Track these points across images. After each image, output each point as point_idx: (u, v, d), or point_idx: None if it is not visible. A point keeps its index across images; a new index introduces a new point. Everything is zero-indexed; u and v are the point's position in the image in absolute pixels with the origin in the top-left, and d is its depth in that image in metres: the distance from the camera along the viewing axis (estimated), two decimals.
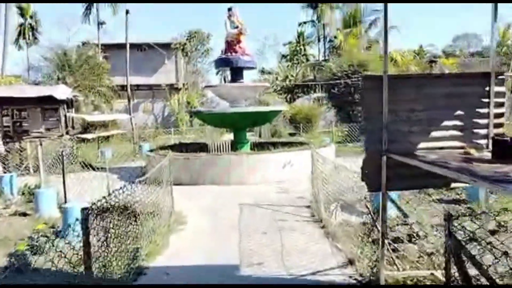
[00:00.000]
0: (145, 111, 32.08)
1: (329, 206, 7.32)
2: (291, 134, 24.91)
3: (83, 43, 30.38)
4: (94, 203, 3.81)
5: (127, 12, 20.52)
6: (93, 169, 13.14)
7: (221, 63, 11.70)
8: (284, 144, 12.91)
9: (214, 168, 9.73)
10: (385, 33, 4.01)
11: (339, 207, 7.43)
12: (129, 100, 20.92)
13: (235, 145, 11.69)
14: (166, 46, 35.83)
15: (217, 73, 45.38)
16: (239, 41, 11.70)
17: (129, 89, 21.59)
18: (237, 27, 11.67)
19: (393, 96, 3.86)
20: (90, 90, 20.78)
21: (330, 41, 39.85)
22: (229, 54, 11.69)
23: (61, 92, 12.37)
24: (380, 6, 38.65)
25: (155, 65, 38.26)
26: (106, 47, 37.38)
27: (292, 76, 39.48)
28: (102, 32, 31.19)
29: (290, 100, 35.06)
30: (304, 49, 48.28)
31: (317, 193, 7.48)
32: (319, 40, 40.42)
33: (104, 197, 4.09)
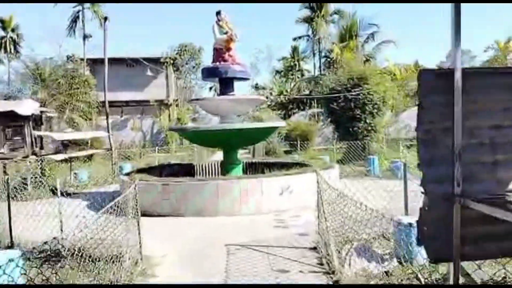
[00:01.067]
0: (133, 128, 30.49)
1: (342, 247, 5.76)
2: (286, 152, 23.43)
3: (68, 57, 28.93)
4: None
5: (105, 19, 19.07)
6: (63, 194, 11.50)
7: (209, 73, 10.19)
8: (281, 166, 11.36)
9: (199, 196, 8.14)
10: (456, 26, 2.48)
11: (354, 250, 5.86)
12: (107, 117, 19.32)
13: (225, 167, 10.11)
14: (156, 61, 34.56)
15: (210, 89, 44.10)
16: (228, 49, 10.24)
17: (107, 105, 20.04)
18: (226, 32, 10.23)
19: (469, 103, 2.34)
20: (66, 106, 19.17)
21: (326, 56, 38.75)
22: (217, 63, 10.21)
23: (26, 107, 10.80)
24: (376, 20, 38.02)
25: (145, 81, 36.90)
26: (94, 62, 36.03)
27: (286, 91, 38.22)
28: (91, 46, 29.84)
29: (285, 116, 33.68)
30: (299, 64, 47.28)
31: (324, 230, 5.90)
32: (314, 55, 39.30)
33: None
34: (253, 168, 11.81)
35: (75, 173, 13.35)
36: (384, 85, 20.21)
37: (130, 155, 21.82)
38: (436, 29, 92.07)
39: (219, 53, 10.24)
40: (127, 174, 10.29)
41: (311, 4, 37.69)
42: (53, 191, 11.53)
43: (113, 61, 36.25)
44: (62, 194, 11.71)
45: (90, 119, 23.50)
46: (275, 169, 10.85)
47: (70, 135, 11.42)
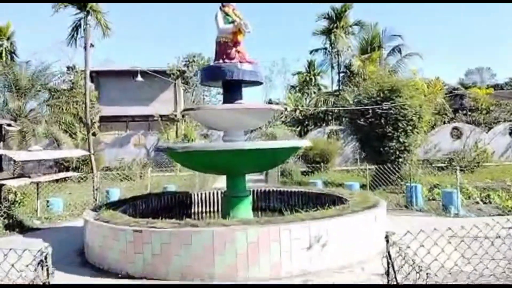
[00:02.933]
0: (136, 144, 28.11)
1: None
2: (303, 173, 20.73)
3: (68, 68, 26.98)
4: None
5: (91, 45, 16.83)
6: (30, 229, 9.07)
7: (209, 74, 7.56)
8: (304, 196, 8.66)
9: (185, 250, 5.48)
10: None
11: None
12: (88, 133, 16.90)
13: (227, 203, 7.42)
14: (164, 73, 32.55)
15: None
16: (236, 43, 7.67)
17: (88, 120, 17.63)
18: (233, 22, 7.68)
19: None
20: (43, 118, 16.85)
21: (346, 69, 36.17)
22: (221, 61, 7.63)
23: None
24: (399, 31, 35.41)
25: (152, 94, 35.01)
26: (98, 74, 34.19)
27: (302, 106, 35.55)
28: (99, 59, 27.95)
29: (301, 133, 30.94)
30: (315, 79, 44.80)
31: None
32: (332, 68, 36.67)
33: None
34: (266, 201, 9.14)
35: (47, 201, 10.83)
36: (419, 98, 17.48)
37: (129, 175, 19.31)
38: (454, 44, 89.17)
39: (224, 48, 7.68)
40: (99, 207, 7.66)
41: (330, 15, 35.32)
42: (10, 226, 9.01)
43: (119, 73, 34.48)
44: (23, 228, 9.20)
45: (72, 135, 21.16)
46: (297, 202, 8.13)
47: (32, 154, 8.95)
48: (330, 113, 33.28)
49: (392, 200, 12.40)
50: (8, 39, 25.73)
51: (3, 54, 25.32)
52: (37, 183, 9.77)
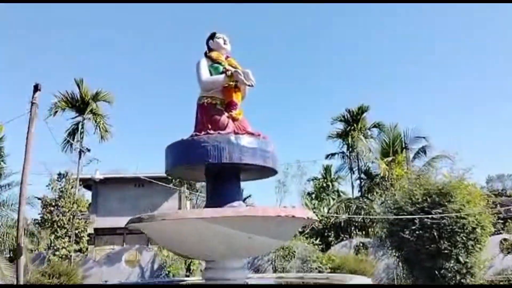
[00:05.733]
0: (128, 261, 23.95)
1: None
2: None
3: (59, 175, 24.44)
4: None
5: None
6: None
7: (179, 155, 4.31)
8: None
9: None
10: None
11: None
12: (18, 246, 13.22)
13: None
14: (167, 179, 29.75)
15: None
16: (231, 105, 4.55)
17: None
18: (224, 71, 4.62)
19: None
20: None
21: (367, 173, 33.05)
22: (202, 133, 4.38)
23: None
24: (423, 133, 32.98)
25: (154, 203, 31.89)
26: (96, 182, 31.53)
27: (322, 216, 31.60)
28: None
29: (323, 246, 26.51)
30: (333, 185, 41.55)
31: None
32: (352, 172, 33.55)
33: None
34: None
35: None
36: (475, 203, 13.82)
37: None
38: (474, 149, 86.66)
39: (208, 112, 4.50)
40: None
41: (346, 117, 33.52)
42: None
43: (119, 181, 31.87)
44: None
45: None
46: None
47: None
48: (354, 223, 29.18)
49: None
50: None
51: None
52: None
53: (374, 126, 33.44)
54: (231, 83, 4.59)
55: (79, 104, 23.45)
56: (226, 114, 4.54)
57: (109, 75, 64.69)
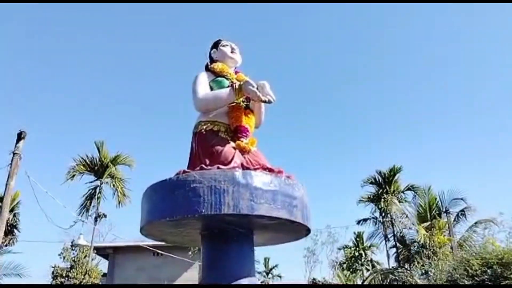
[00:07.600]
0: None
1: None
2: None
3: (73, 244, 23.08)
4: None
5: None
6: None
7: (159, 206, 2.90)
8: None
9: None
10: None
11: None
12: None
13: None
14: (187, 248, 28.03)
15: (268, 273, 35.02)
16: (240, 130, 3.15)
17: None
18: (231, 85, 3.29)
19: None
20: None
21: (400, 243, 30.19)
22: (198, 168, 2.98)
23: None
24: (462, 194, 30.45)
25: (174, 273, 30.12)
26: (114, 249, 30.15)
27: None
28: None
29: None
30: (365, 254, 38.34)
31: None
32: (387, 240, 30.79)
33: None
34: None
35: None
36: None
37: None
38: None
39: (206, 141, 3.08)
40: None
41: (377, 180, 31.51)
42: None
43: (137, 249, 30.30)
44: None
45: None
46: None
47: None
48: None
49: None
50: (11, 210, 22.86)
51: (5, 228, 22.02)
52: None
53: (408, 189, 31.17)
54: (240, 100, 3.27)
55: (97, 168, 22.60)
56: (232, 144, 3.17)
57: (132, 135, 65.37)
